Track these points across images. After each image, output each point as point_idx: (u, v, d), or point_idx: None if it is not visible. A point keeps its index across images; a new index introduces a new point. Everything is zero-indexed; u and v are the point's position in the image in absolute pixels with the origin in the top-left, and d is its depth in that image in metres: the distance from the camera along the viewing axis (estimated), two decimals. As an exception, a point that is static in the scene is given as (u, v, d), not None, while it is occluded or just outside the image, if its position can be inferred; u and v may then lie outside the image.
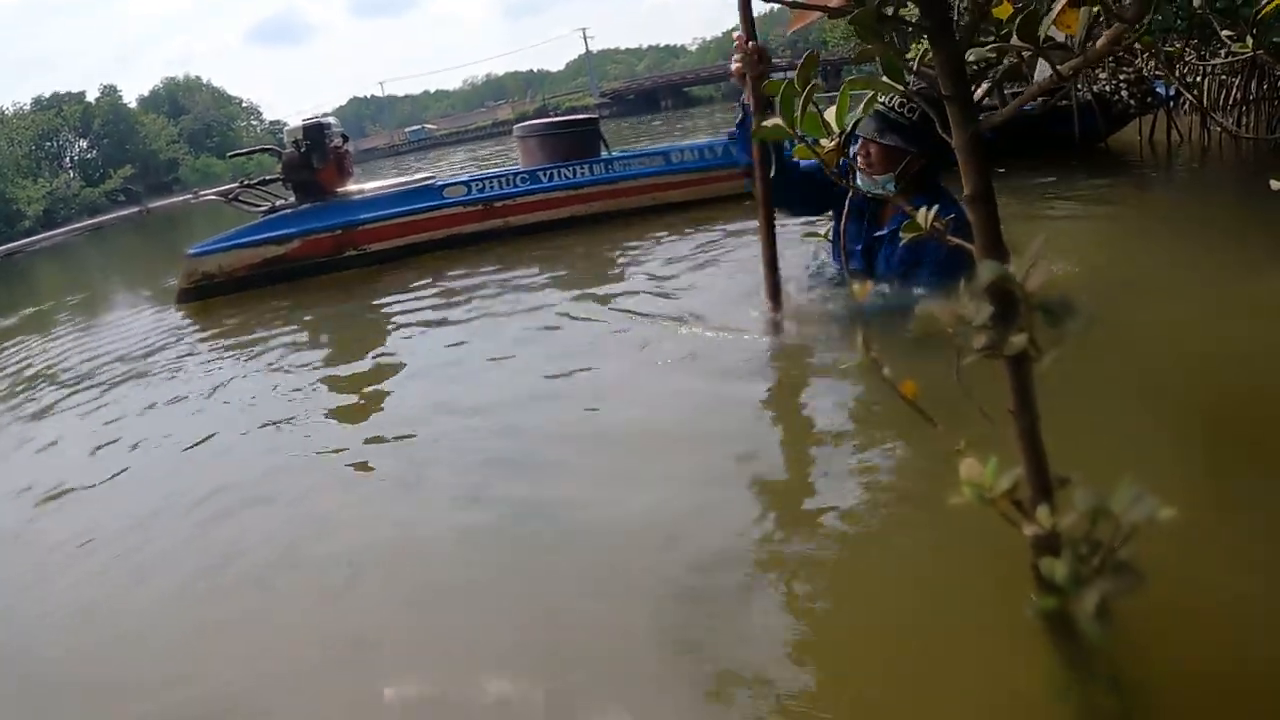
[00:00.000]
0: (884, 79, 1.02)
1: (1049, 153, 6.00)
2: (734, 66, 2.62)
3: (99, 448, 3.05)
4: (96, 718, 1.63)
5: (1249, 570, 1.43)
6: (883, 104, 2.53)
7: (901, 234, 0.98)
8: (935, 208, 0.96)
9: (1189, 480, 1.68)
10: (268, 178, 6.52)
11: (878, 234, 2.77)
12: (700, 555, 1.73)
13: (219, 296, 5.84)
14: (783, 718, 1.28)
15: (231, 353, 4.26)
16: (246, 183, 6.54)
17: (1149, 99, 6.30)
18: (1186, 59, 5.87)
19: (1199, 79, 6.38)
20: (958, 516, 1.16)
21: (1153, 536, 0.89)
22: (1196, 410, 2.04)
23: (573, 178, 6.42)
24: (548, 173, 6.40)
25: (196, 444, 2.90)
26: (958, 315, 0.93)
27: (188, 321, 5.41)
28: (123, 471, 2.78)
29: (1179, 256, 3.41)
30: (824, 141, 1.17)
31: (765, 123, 1.06)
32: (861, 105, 1.20)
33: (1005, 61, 1.01)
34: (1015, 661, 1.27)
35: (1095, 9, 0.82)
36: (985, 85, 1.19)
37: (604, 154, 6.66)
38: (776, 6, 1.08)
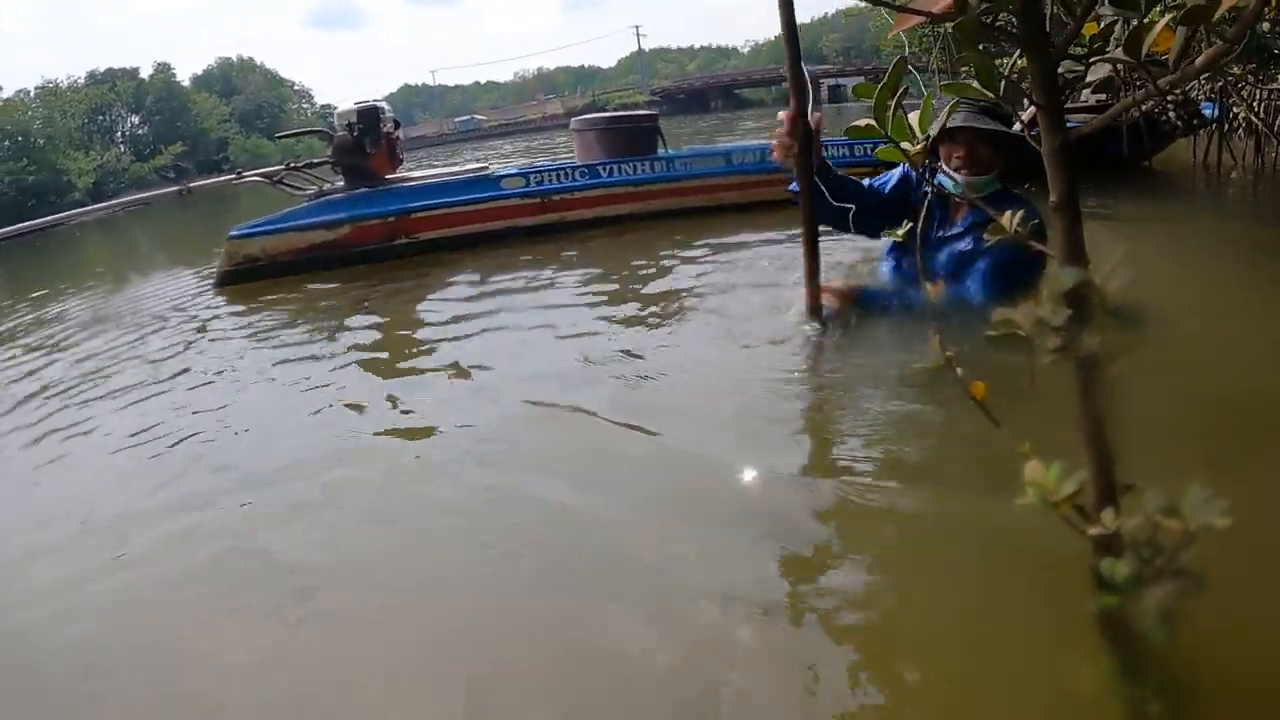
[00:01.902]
0: (975, 84, 1.05)
1: (1094, 171, 5.90)
2: (774, 155, 2.75)
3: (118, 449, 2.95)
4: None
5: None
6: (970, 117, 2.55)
7: (987, 235, 1.01)
8: (1021, 211, 0.99)
9: (1246, 492, 1.69)
10: (315, 161, 6.47)
11: (945, 234, 2.80)
12: (754, 558, 1.77)
13: (262, 280, 5.76)
14: (834, 711, 1.32)
15: (276, 338, 4.25)
16: (293, 165, 6.47)
17: (1195, 120, 6.24)
18: (1247, 82, 5.82)
19: (1256, 104, 6.31)
20: (1013, 520, 1.19)
21: (1212, 542, 0.91)
22: (1257, 424, 2.05)
23: (633, 174, 6.34)
24: (608, 168, 6.31)
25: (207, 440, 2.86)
26: (1037, 318, 0.96)
27: (228, 305, 5.33)
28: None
29: (1243, 277, 3.41)
30: (906, 145, 1.20)
31: (857, 123, 1.10)
32: (945, 111, 1.24)
33: (1087, 75, 1.04)
34: (1064, 662, 1.29)
35: (1193, 30, 0.85)
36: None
37: (662, 151, 6.58)
38: (830, 12, 1.12)
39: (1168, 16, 0.82)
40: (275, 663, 1.65)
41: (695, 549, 1.82)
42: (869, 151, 5.66)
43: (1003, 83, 1.02)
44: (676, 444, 2.34)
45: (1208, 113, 6.23)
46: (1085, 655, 1.24)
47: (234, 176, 6.48)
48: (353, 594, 1.85)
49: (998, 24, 0.96)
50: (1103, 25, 1.03)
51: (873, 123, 1.06)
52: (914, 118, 1.21)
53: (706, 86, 60.62)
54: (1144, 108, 6.02)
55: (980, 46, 1.00)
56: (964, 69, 1.04)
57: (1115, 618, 1.09)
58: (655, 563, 1.80)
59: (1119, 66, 0.91)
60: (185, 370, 3.79)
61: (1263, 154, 6.17)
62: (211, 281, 5.99)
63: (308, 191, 6.24)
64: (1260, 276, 3.40)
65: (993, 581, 1.59)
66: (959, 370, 1.14)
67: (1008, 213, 1.00)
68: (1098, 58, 0.93)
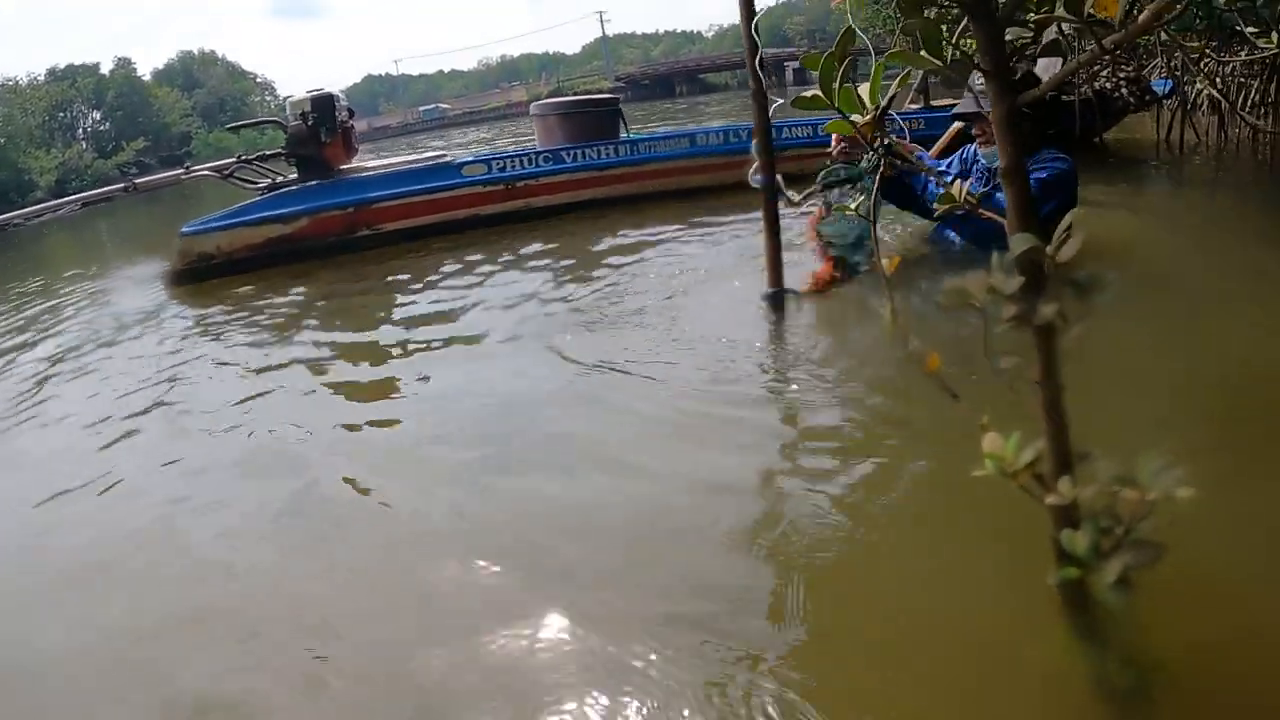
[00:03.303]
0: (922, 54, 1.03)
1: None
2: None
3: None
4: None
5: (1265, 550, 1.45)
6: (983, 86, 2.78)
7: (936, 205, 1.00)
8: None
9: (1205, 461, 1.69)
10: (267, 153, 6.21)
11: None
12: (716, 544, 1.76)
13: (216, 278, 5.51)
14: (796, 685, 1.31)
15: (232, 338, 4.08)
16: (244, 157, 6.17)
17: (1146, 96, 6.29)
18: (1207, 57, 5.87)
19: (1217, 80, 6.36)
20: (974, 491, 1.19)
21: (1170, 512, 0.90)
22: (1215, 393, 2.07)
23: (597, 158, 6.26)
24: (571, 153, 6.22)
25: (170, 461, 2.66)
26: (988, 286, 0.95)
27: (182, 306, 5.07)
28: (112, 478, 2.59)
29: (1201, 247, 3.49)
30: (856, 116, 1.18)
31: (805, 93, 1.08)
32: (896, 82, 1.22)
33: (1042, 39, 1.02)
34: (1029, 634, 1.29)
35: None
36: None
37: (624, 135, 6.51)
38: None
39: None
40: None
41: (654, 551, 1.80)
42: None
43: (950, 50, 1.00)
44: (637, 438, 2.32)
45: (1159, 89, 6.28)
46: (1049, 626, 1.24)
47: (182, 171, 6.27)
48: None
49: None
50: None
51: (819, 93, 1.04)
52: (864, 89, 1.19)
53: (671, 72, 60.40)
54: (1096, 84, 6.07)
55: (925, 14, 0.98)
56: (910, 35, 1.02)
57: (1077, 588, 1.09)
58: (620, 565, 1.78)
59: (1065, 30, 0.90)
60: (123, 373, 3.68)
61: (1225, 130, 6.21)
62: (164, 281, 5.75)
63: (261, 185, 6.02)
64: (1216, 248, 3.45)
65: (959, 554, 1.59)
66: (913, 343, 1.13)
67: (956, 182, 0.98)
68: (1040, 16, 0.91)
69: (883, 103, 1.17)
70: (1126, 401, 2.04)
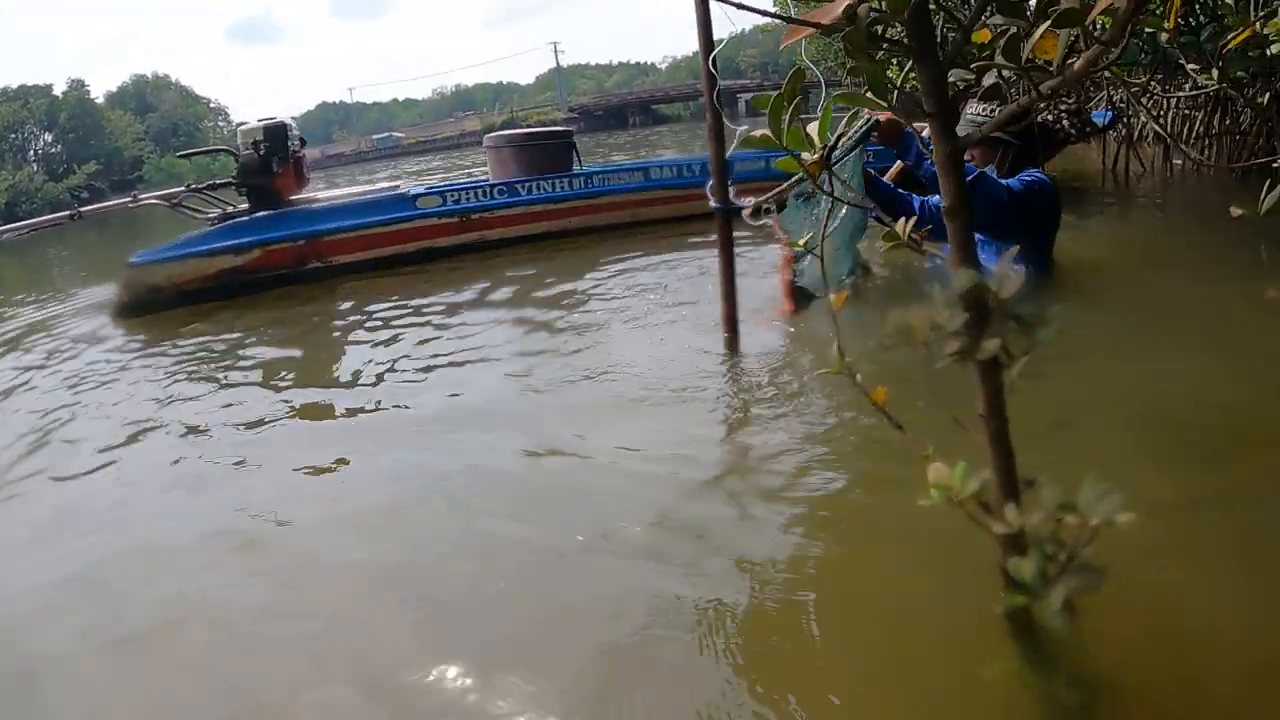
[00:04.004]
0: (868, 94, 1.07)
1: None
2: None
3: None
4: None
5: (1208, 572, 1.50)
6: (974, 114, 3.19)
7: (881, 242, 1.03)
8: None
9: (1151, 487, 1.75)
10: (217, 181, 6.10)
11: None
12: (672, 563, 1.77)
13: (164, 311, 5.33)
14: (746, 709, 1.32)
15: (176, 376, 3.87)
16: (194, 186, 6.05)
17: (1087, 128, 6.49)
18: (1151, 92, 6.06)
19: (1162, 113, 6.56)
20: (925, 518, 1.21)
21: (1115, 536, 0.93)
22: (1159, 423, 2.13)
23: (552, 191, 6.27)
24: (526, 185, 6.23)
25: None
26: (932, 321, 0.98)
27: (129, 339, 4.84)
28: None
29: (1147, 275, 3.63)
30: (805, 155, 1.21)
31: (754, 133, 1.10)
32: (844, 121, 1.25)
33: (984, 82, 1.06)
34: (979, 656, 1.31)
35: (1072, 36, 0.87)
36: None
37: (577, 168, 6.56)
38: (747, 29, 1.13)
39: (1048, 23, 0.84)
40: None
41: (604, 568, 1.81)
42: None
43: (895, 93, 1.04)
44: (595, 466, 2.33)
45: (1100, 120, 6.47)
46: (996, 649, 1.27)
47: (129, 199, 6.11)
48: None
49: (887, 34, 0.97)
50: (996, 33, 1.06)
51: (768, 133, 1.07)
52: (813, 128, 1.22)
53: (624, 103, 60.97)
54: (1039, 118, 6.23)
55: (872, 56, 1.01)
56: (857, 78, 1.06)
57: (1024, 613, 1.11)
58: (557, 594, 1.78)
59: (1003, 73, 0.93)
60: (73, 419, 3.40)
61: (1170, 161, 6.41)
62: (110, 313, 5.55)
63: (210, 214, 5.90)
64: (1160, 274, 3.56)
65: (908, 582, 1.61)
66: (858, 377, 1.16)
67: (900, 220, 1.01)
68: (979, 63, 0.95)
69: (830, 140, 1.19)
70: (1077, 427, 2.09)
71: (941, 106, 1.00)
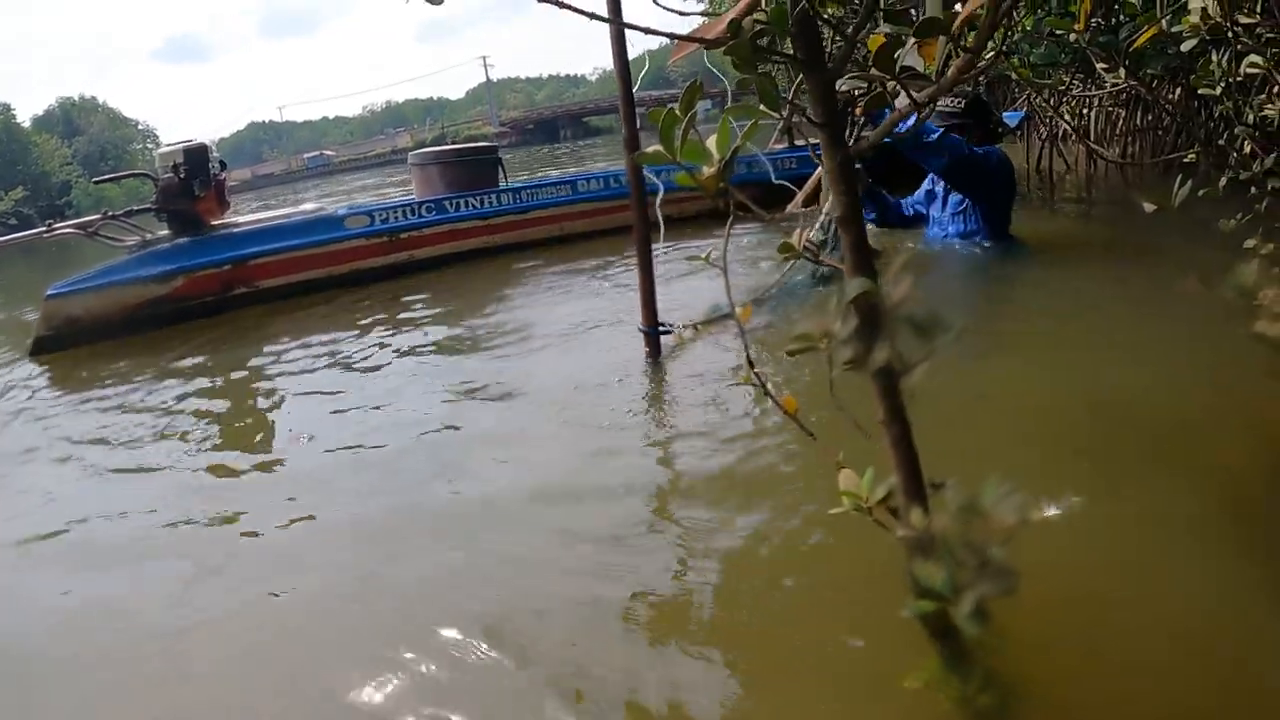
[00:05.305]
0: (761, 107, 1.06)
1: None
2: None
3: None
4: None
5: (1122, 568, 1.53)
6: (944, 104, 4.06)
7: (774, 251, 1.03)
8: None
9: (1063, 485, 1.78)
10: (135, 208, 5.82)
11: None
12: (591, 572, 1.76)
13: (85, 345, 5.07)
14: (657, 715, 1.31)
15: (99, 415, 3.62)
16: (111, 213, 5.73)
17: (1000, 129, 6.64)
18: (1073, 91, 6.21)
19: (1086, 110, 6.73)
20: (839, 523, 1.21)
21: (1029, 536, 0.94)
22: (1071, 422, 2.16)
23: (480, 207, 6.21)
24: (454, 202, 6.16)
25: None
26: (825, 330, 0.98)
27: (44, 376, 4.56)
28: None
29: (1063, 271, 3.71)
30: (705, 168, 1.21)
31: (647, 149, 1.09)
32: (744, 133, 1.25)
33: (872, 90, 1.07)
34: (892, 659, 1.32)
35: (954, 42, 0.88)
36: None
37: (503, 183, 6.52)
38: (670, 42, 1.12)
39: (910, 31, 0.85)
40: None
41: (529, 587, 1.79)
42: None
43: (785, 104, 1.04)
44: (524, 479, 2.32)
45: (1012, 121, 6.61)
46: (912, 652, 1.27)
47: (44, 229, 5.72)
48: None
49: (774, 46, 0.98)
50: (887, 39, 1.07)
51: (659, 149, 1.06)
52: (712, 141, 1.21)
53: (555, 116, 61.06)
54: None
55: (760, 68, 1.01)
56: (748, 90, 1.06)
57: (938, 616, 1.12)
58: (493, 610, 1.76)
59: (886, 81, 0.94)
60: None
61: (1094, 158, 6.58)
62: (26, 349, 5.21)
63: (128, 242, 5.66)
64: (1078, 274, 3.64)
65: (822, 584, 1.62)
66: (768, 386, 1.16)
67: (797, 231, 1.01)
68: (853, 74, 0.95)
69: (728, 154, 1.19)
70: (987, 427, 2.12)
71: (830, 116, 1.01)
